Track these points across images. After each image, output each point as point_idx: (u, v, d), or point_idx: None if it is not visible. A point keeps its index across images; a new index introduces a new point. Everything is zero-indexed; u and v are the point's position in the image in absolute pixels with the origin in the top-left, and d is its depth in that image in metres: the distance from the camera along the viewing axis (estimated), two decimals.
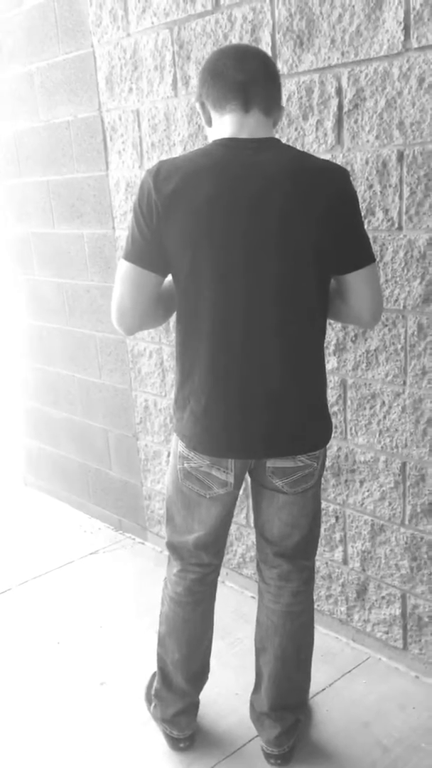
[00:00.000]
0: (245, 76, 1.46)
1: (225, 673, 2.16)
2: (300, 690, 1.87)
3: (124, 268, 1.52)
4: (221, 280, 1.47)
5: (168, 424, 2.74)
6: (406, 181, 1.79)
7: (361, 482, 2.12)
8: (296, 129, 1.98)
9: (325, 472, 2.19)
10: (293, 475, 1.63)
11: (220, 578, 2.51)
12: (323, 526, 2.25)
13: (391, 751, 1.84)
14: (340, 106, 1.87)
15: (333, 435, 2.15)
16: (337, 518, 2.23)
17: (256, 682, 1.86)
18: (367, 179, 1.86)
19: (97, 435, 3.15)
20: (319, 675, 2.11)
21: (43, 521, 3.35)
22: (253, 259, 1.45)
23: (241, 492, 2.37)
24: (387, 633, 2.18)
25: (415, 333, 1.88)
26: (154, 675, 2.04)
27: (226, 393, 1.53)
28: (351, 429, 2.10)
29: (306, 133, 1.97)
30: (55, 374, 3.30)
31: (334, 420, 2.13)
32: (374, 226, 1.88)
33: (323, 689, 2.08)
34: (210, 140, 1.55)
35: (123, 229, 2.66)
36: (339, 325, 2.04)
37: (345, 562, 2.25)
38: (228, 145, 1.47)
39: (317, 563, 2.29)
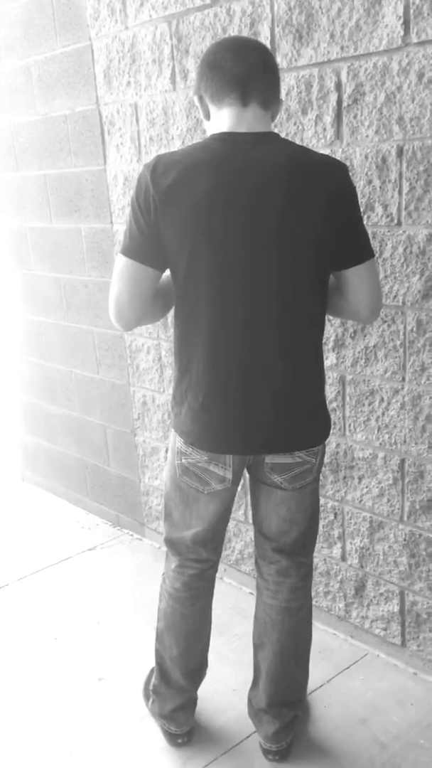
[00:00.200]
0: (243, 69, 1.45)
1: (223, 669, 2.16)
2: (298, 686, 1.87)
3: (121, 263, 1.51)
4: (219, 275, 1.46)
5: (166, 420, 2.73)
6: (405, 177, 1.78)
7: (360, 479, 2.12)
8: (295, 124, 1.97)
9: (323, 469, 2.19)
10: (292, 471, 1.62)
11: (218, 574, 2.51)
12: (322, 523, 2.25)
13: (389, 748, 1.85)
14: (339, 101, 1.86)
15: (332, 431, 2.14)
16: (335, 515, 2.22)
17: (254, 678, 1.86)
18: (367, 174, 1.86)
19: (94, 431, 3.15)
20: (317, 671, 2.11)
21: (41, 517, 3.35)
22: (251, 254, 1.44)
23: (239, 488, 2.37)
24: (385, 629, 2.18)
25: (414, 329, 1.87)
26: (152, 671, 2.05)
27: (224, 389, 1.52)
28: (350, 425, 2.10)
29: (305, 127, 1.96)
30: (53, 370, 3.30)
31: (332, 416, 2.13)
32: (373, 221, 1.87)
33: (321, 685, 2.09)
34: (208, 134, 1.54)
35: (121, 224, 2.65)
36: (338, 321, 2.03)
37: (343, 558, 2.25)
38: (226, 139, 1.46)
39: (315, 559, 2.29)
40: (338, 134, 1.89)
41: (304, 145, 1.95)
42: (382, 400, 2.00)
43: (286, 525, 1.70)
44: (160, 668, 1.86)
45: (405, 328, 1.89)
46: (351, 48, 1.79)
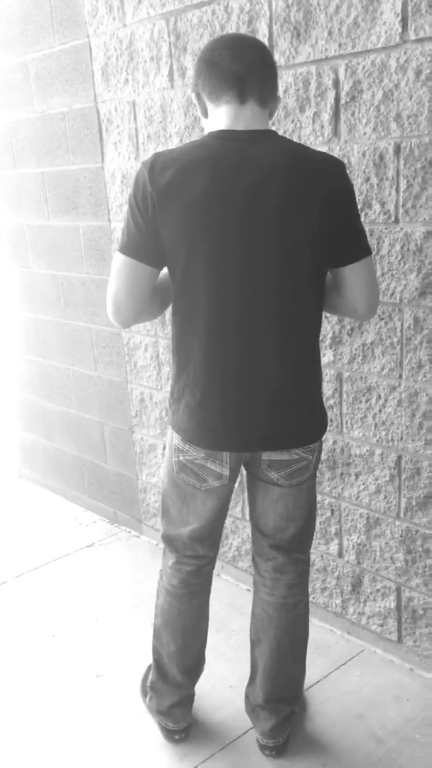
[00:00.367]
0: (241, 66, 1.45)
1: (220, 665, 2.17)
2: (295, 682, 1.88)
3: (119, 260, 1.51)
4: (217, 273, 1.46)
5: (164, 417, 2.74)
6: (402, 174, 1.79)
7: (357, 475, 2.13)
8: (293, 121, 1.98)
9: (320, 466, 2.20)
10: (289, 468, 1.63)
11: (215, 571, 2.52)
12: (318, 519, 2.26)
13: (386, 743, 1.85)
14: (337, 99, 1.87)
15: (329, 428, 2.15)
16: (332, 511, 2.23)
17: (251, 674, 1.87)
18: (364, 172, 1.86)
19: (92, 428, 3.15)
20: (313, 667, 2.12)
21: (39, 514, 3.35)
22: (248, 251, 1.45)
23: (236, 485, 2.38)
24: (382, 626, 2.19)
25: (411, 326, 1.88)
26: (149, 667, 2.05)
27: (222, 386, 1.53)
28: (347, 422, 2.11)
29: (303, 125, 1.96)
30: (51, 367, 3.30)
31: (329, 413, 2.13)
32: (371, 218, 1.88)
33: (318, 681, 2.09)
34: (206, 131, 1.54)
35: (118, 222, 2.65)
36: (335, 318, 2.04)
37: (340, 555, 2.25)
38: (224, 137, 1.46)
39: (312, 556, 2.30)
40: (336, 132, 1.90)
41: (302, 142, 1.95)
42: (379, 397, 2.00)
43: (283, 522, 1.70)
44: (158, 665, 1.87)
45: (402, 325, 1.90)
46: (349, 45, 1.80)
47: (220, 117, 1.49)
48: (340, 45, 1.81)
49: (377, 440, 2.04)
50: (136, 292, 1.52)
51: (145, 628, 2.31)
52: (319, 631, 2.31)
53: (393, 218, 1.84)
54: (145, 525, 3.01)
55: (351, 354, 2.04)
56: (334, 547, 2.26)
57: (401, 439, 1.98)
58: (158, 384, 2.71)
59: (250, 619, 1.84)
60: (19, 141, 3.02)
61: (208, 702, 2.03)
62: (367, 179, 1.86)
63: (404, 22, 1.68)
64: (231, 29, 2.04)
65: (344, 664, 2.17)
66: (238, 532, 2.57)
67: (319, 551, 2.30)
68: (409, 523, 2.03)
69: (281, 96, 1.96)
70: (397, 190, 1.81)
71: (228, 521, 2.57)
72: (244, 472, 1.88)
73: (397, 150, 1.78)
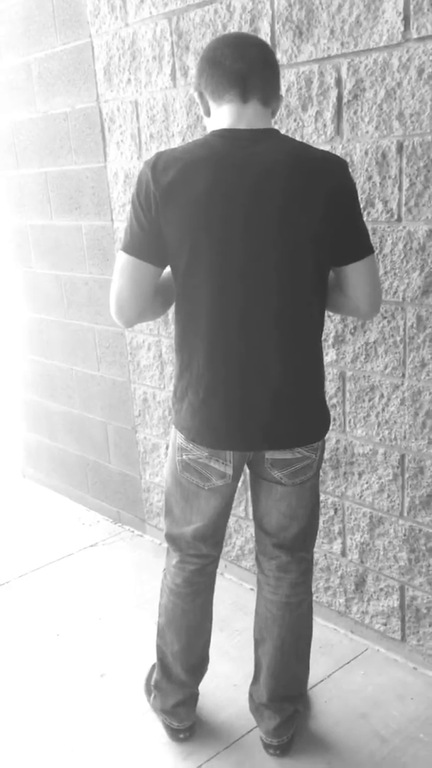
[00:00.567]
0: (243, 65, 1.45)
1: (224, 664, 2.17)
2: (299, 681, 1.88)
3: (122, 260, 1.51)
4: (219, 272, 1.46)
5: (167, 416, 2.74)
6: (405, 173, 1.78)
7: (360, 474, 2.13)
8: (295, 120, 1.98)
9: (323, 465, 2.20)
10: (292, 467, 1.63)
11: (219, 570, 2.52)
12: (322, 518, 2.26)
13: (389, 742, 1.85)
14: (339, 97, 1.86)
15: (332, 427, 2.15)
16: (335, 510, 2.23)
17: (255, 673, 1.87)
18: (367, 170, 1.86)
19: (95, 428, 3.15)
20: (317, 666, 2.12)
21: (42, 514, 3.35)
22: (251, 250, 1.45)
23: (240, 484, 2.38)
24: (385, 624, 2.19)
25: (414, 325, 1.88)
26: (153, 666, 2.05)
27: (224, 385, 1.53)
28: (350, 421, 2.11)
29: (305, 124, 1.96)
30: (54, 367, 3.30)
31: (333, 412, 2.13)
32: (373, 217, 1.88)
33: (322, 680, 2.09)
34: (208, 130, 1.54)
35: (121, 221, 2.66)
36: (338, 317, 2.04)
37: (343, 554, 2.25)
38: (226, 136, 1.46)
39: (316, 555, 2.30)
40: (338, 130, 1.90)
41: (304, 141, 1.95)
42: (382, 396, 2.00)
43: (286, 520, 1.71)
44: (162, 664, 1.87)
45: (405, 324, 1.90)
46: (351, 44, 1.79)
47: (222, 116, 1.49)
48: (342, 44, 1.81)
49: (380, 439, 2.04)
50: (139, 291, 1.52)
51: (148, 628, 2.31)
52: (323, 630, 2.31)
53: (396, 217, 1.84)
54: (149, 524, 3.01)
55: (354, 353, 2.04)
56: (337, 546, 2.26)
57: (404, 438, 1.98)
58: (161, 383, 2.71)
59: (254, 618, 1.84)
60: (21, 141, 3.03)
61: (212, 701, 2.03)
62: (370, 178, 1.86)
63: (406, 20, 1.68)
64: (233, 28, 2.04)
65: (348, 663, 2.17)
66: (241, 531, 2.57)
67: (323, 550, 2.30)
68: (412, 522, 2.03)
69: (284, 95, 1.96)
70: (400, 189, 1.81)
71: (231, 520, 2.57)
72: (247, 471, 1.88)
73: (400, 148, 1.78)
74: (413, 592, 2.09)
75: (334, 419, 2.14)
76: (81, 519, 3.26)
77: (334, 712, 1.97)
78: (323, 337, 2.06)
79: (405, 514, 2.04)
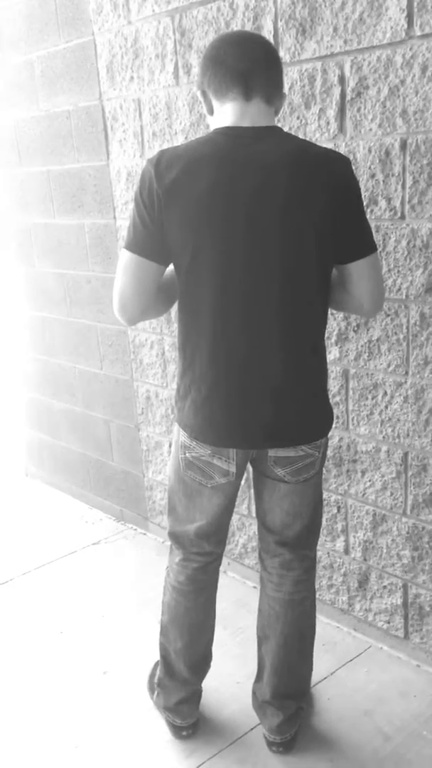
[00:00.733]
0: (246, 63, 1.45)
1: (227, 662, 2.17)
2: (302, 678, 1.88)
3: (125, 258, 1.51)
4: (221, 270, 1.46)
5: (170, 414, 2.74)
6: (408, 170, 1.78)
7: (363, 472, 2.13)
8: (298, 117, 1.97)
9: (326, 462, 2.20)
10: (295, 465, 1.63)
11: (222, 568, 2.52)
12: (325, 516, 2.26)
13: (393, 739, 1.85)
14: (342, 95, 1.86)
15: (335, 425, 2.15)
16: (338, 508, 2.23)
17: (258, 670, 1.87)
18: (370, 168, 1.86)
19: (98, 426, 3.16)
20: (320, 664, 2.12)
21: (45, 512, 3.36)
22: (254, 248, 1.45)
23: (243, 482, 2.38)
24: (388, 622, 2.19)
25: (418, 323, 1.88)
26: (156, 664, 2.06)
27: (227, 383, 1.53)
28: (353, 419, 2.11)
29: (308, 121, 1.96)
30: (56, 365, 3.30)
31: (336, 410, 2.13)
32: (377, 215, 1.88)
33: (325, 678, 2.09)
34: (211, 129, 1.54)
35: (124, 219, 2.66)
36: (341, 315, 2.04)
37: (346, 551, 2.25)
38: (229, 133, 1.46)
39: (319, 553, 2.30)
40: (341, 128, 1.89)
41: (308, 139, 1.95)
42: (385, 393, 2.00)
43: (289, 518, 1.71)
44: (165, 661, 1.87)
45: (408, 321, 1.90)
46: (354, 41, 1.79)
47: (225, 114, 1.49)
48: (345, 41, 1.81)
49: (383, 437, 2.04)
50: (142, 289, 1.52)
51: (151, 625, 2.31)
52: (326, 627, 2.31)
53: (399, 214, 1.83)
54: (152, 522, 3.01)
55: (357, 351, 2.04)
56: (340, 544, 2.26)
57: (407, 435, 1.98)
58: (164, 381, 2.71)
59: (257, 616, 1.85)
60: (24, 139, 3.03)
61: (216, 698, 2.04)
62: (373, 175, 1.85)
63: (410, 17, 1.68)
64: (236, 26, 2.04)
65: (351, 660, 2.17)
66: (244, 529, 2.57)
67: (326, 548, 2.30)
68: (415, 519, 2.03)
69: (287, 92, 1.96)
70: (403, 186, 1.81)
71: (234, 518, 2.57)
72: (250, 468, 1.88)
73: (403, 146, 1.77)
74: (416, 589, 2.09)
75: (337, 417, 2.14)
76: (84, 517, 3.27)
77: (337, 710, 1.97)
78: (326, 335, 2.06)
79: (408, 511, 2.04)
